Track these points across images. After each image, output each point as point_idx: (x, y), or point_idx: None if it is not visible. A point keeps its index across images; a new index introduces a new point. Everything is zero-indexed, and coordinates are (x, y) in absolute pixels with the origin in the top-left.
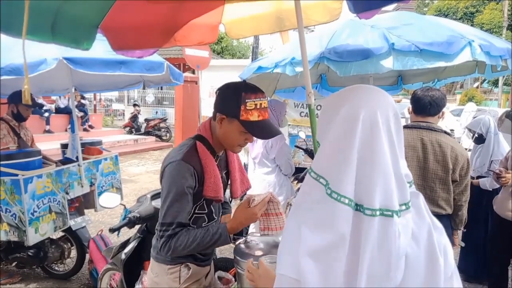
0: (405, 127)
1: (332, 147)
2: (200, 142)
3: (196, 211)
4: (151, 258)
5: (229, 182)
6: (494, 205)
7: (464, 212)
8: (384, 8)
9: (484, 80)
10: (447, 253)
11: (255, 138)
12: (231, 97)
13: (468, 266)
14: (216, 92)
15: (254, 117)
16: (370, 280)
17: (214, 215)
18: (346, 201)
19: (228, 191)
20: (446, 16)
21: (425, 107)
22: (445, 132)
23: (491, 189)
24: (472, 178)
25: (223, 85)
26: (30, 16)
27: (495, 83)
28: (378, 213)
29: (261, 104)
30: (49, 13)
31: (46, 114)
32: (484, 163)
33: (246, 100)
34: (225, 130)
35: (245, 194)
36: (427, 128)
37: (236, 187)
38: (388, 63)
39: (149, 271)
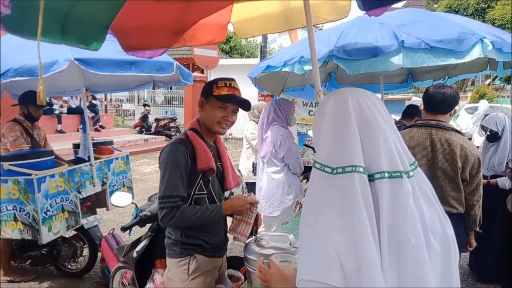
0: (415, 125)
1: (330, 134)
2: (190, 131)
3: (196, 192)
4: (167, 257)
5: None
6: (508, 204)
7: (477, 212)
8: (393, 6)
9: (496, 77)
10: (455, 244)
11: (263, 137)
12: (208, 84)
13: (482, 266)
14: None
15: (224, 91)
16: (390, 242)
17: (215, 199)
18: (361, 169)
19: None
20: (456, 12)
21: (436, 104)
22: (456, 130)
23: (508, 188)
24: (486, 177)
25: None
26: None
27: (508, 80)
28: (386, 175)
29: (230, 84)
30: (59, 14)
31: (57, 112)
32: (501, 161)
33: (218, 82)
34: (206, 110)
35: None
36: (437, 126)
37: (230, 178)
38: (398, 61)
39: (166, 270)
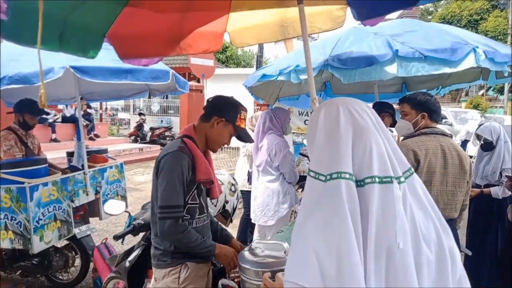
0: (422, 133)
1: (322, 142)
2: (188, 140)
3: (189, 202)
4: (153, 268)
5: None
6: (508, 214)
7: (464, 212)
8: (387, 16)
9: (490, 87)
10: (455, 255)
11: (258, 146)
12: (232, 107)
13: (478, 275)
14: (209, 100)
15: (243, 125)
16: (378, 247)
17: (204, 209)
18: (347, 175)
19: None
20: (450, 24)
21: (438, 113)
22: (451, 136)
23: (501, 198)
24: (479, 186)
25: (220, 96)
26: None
27: (501, 91)
28: (377, 180)
29: (245, 116)
30: (57, 22)
31: (50, 121)
32: (494, 171)
33: (241, 111)
34: (219, 130)
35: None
36: (442, 134)
37: (216, 188)
38: (392, 70)
39: (153, 280)
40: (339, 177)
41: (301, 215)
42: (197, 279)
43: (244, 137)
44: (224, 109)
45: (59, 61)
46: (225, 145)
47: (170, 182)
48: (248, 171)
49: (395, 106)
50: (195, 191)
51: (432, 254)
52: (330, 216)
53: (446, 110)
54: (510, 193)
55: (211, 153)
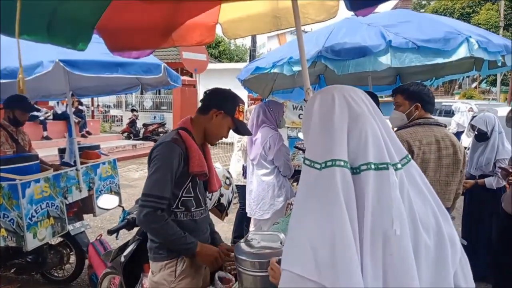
0: (416, 124)
1: (317, 130)
2: (184, 132)
3: (183, 195)
4: (150, 261)
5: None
6: (503, 203)
7: (457, 200)
8: (381, 9)
9: (483, 80)
10: (455, 241)
11: (252, 140)
12: (231, 99)
13: (472, 265)
14: (207, 92)
15: (241, 117)
16: (374, 234)
17: (201, 202)
18: (342, 163)
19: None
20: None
21: (432, 104)
22: (445, 126)
23: (496, 188)
24: (474, 176)
25: (218, 88)
26: (26, 16)
27: (493, 83)
28: (373, 166)
29: (243, 109)
30: (45, 13)
31: (41, 118)
32: (489, 161)
33: (240, 104)
34: (218, 122)
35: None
36: (437, 124)
37: (214, 181)
38: (386, 60)
39: (150, 274)
40: (334, 165)
41: (297, 203)
42: (193, 272)
43: (242, 129)
44: (223, 102)
45: (48, 54)
46: (222, 139)
47: (158, 172)
48: (243, 165)
49: (388, 98)
50: (190, 183)
51: (431, 240)
52: (325, 204)
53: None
54: (504, 183)
55: (208, 148)
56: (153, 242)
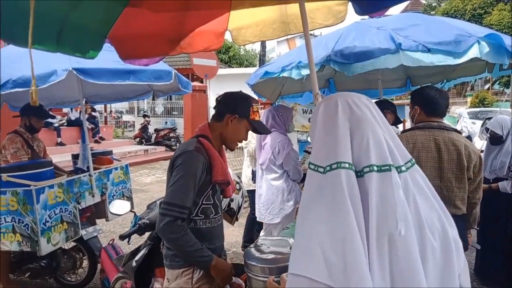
0: (416, 128)
1: (321, 135)
2: (204, 139)
3: (203, 202)
4: (165, 268)
5: None
6: None
7: (477, 210)
8: (390, 12)
9: (495, 81)
10: (459, 245)
11: (262, 144)
12: (243, 101)
13: (487, 269)
14: (218, 99)
15: (257, 117)
16: (379, 235)
17: (218, 209)
18: (347, 165)
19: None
20: (453, 18)
21: (437, 107)
22: (456, 130)
23: (510, 192)
24: (488, 180)
25: (228, 93)
26: (36, 26)
27: (507, 85)
28: (375, 168)
29: (258, 109)
30: (56, 22)
31: (56, 125)
32: (503, 165)
33: (253, 104)
34: (234, 127)
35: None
36: (439, 128)
37: (229, 188)
38: (397, 59)
39: (165, 281)
40: (339, 167)
41: (302, 208)
42: (210, 279)
43: (260, 129)
44: (235, 106)
45: (61, 63)
46: (243, 142)
47: (181, 181)
48: (252, 170)
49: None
50: (210, 191)
51: (437, 243)
52: (332, 207)
53: None
54: None
55: (224, 153)
56: (169, 250)
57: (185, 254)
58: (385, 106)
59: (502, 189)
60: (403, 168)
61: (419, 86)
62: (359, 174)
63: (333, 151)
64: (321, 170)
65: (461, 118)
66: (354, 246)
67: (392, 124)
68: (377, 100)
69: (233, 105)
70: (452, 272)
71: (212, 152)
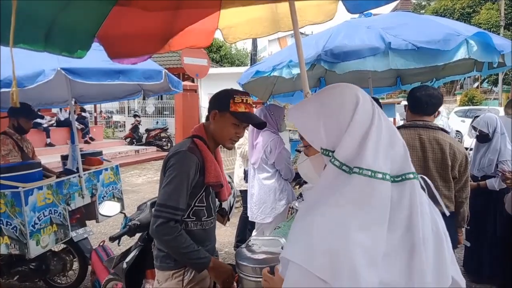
0: (402, 126)
1: (338, 126)
2: (199, 140)
3: (196, 204)
4: (155, 269)
5: None
6: (506, 204)
7: (465, 209)
8: (381, 10)
9: (484, 80)
10: (447, 234)
11: (253, 144)
12: (222, 95)
13: (476, 266)
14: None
15: (242, 108)
16: (405, 244)
17: (212, 211)
18: (380, 175)
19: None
20: (443, 17)
21: (422, 106)
22: (442, 130)
23: (498, 189)
24: (476, 177)
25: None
26: (23, 25)
27: (495, 83)
28: (412, 176)
29: (246, 100)
30: (44, 22)
31: (45, 125)
32: (491, 163)
33: (234, 95)
34: (218, 124)
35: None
36: (424, 126)
37: (224, 190)
38: (386, 62)
39: (155, 282)
40: (382, 178)
41: (320, 196)
42: (201, 281)
43: (247, 119)
44: (215, 101)
45: (49, 63)
46: (238, 138)
47: (174, 182)
48: (244, 169)
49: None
50: (203, 193)
51: (430, 232)
52: (373, 216)
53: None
54: (504, 185)
55: (220, 153)
56: (160, 251)
57: (180, 256)
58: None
59: (490, 186)
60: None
61: (409, 84)
62: (397, 179)
63: (362, 154)
64: (346, 169)
65: (439, 115)
66: (375, 260)
67: None
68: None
69: (213, 101)
70: (445, 265)
71: (206, 153)
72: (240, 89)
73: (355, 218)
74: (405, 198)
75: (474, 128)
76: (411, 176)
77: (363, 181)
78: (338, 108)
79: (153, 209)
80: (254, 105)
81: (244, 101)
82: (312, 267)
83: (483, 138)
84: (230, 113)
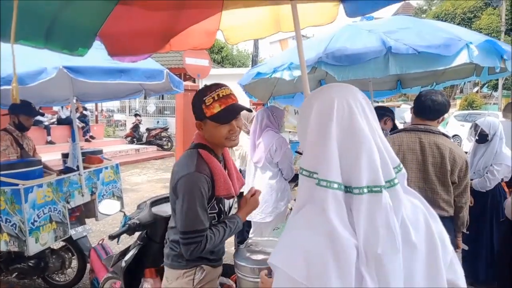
0: (404, 130)
1: (313, 141)
2: (202, 149)
3: (208, 211)
4: (165, 267)
5: None
6: (505, 209)
7: (465, 214)
8: (382, 14)
9: (484, 84)
10: (444, 240)
11: (255, 143)
12: (195, 103)
13: (474, 270)
14: None
15: (216, 108)
16: (368, 255)
17: (222, 214)
18: (336, 185)
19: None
20: (444, 22)
21: (425, 110)
22: (443, 134)
23: (484, 191)
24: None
25: None
26: (25, 22)
27: (495, 88)
28: (365, 190)
29: (218, 94)
30: (45, 19)
31: (46, 123)
32: (486, 166)
33: (204, 98)
34: (207, 132)
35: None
36: (425, 130)
37: (235, 186)
38: (386, 67)
39: (164, 280)
40: (328, 187)
41: (297, 207)
42: (210, 282)
43: (227, 116)
44: (193, 110)
45: (52, 61)
46: (235, 133)
47: (191, 207)
48: (240, 169)
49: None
50: (215, 201)
51: (422, 238)
52: (320, 221)
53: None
54: (490, 186)
55: (226, 150)
56: (172, 250)
57: (222, 242)
58: (385, 113)
59: (474, 186)
60: (395, 181)
61: (409, 88)
62: (349, 190)
63: (325, 166)
64: (315, 176)
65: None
66: (340, 263)
67: (390, 131)
68: (376, 106)
69: (192, 110)
70: (439, 272)
71: (213, 165)
72: (242, 91)
73: (304, 216)
74: (358, 212)
75: (476, 126)
76: (357, 191)
77: (322, 191)
78: (305, 115)
79: (179, 236)
80: (254, 106)
81: (216, 97)
82: (290, 270)
83: (482, 138)
84: (208, 119)
